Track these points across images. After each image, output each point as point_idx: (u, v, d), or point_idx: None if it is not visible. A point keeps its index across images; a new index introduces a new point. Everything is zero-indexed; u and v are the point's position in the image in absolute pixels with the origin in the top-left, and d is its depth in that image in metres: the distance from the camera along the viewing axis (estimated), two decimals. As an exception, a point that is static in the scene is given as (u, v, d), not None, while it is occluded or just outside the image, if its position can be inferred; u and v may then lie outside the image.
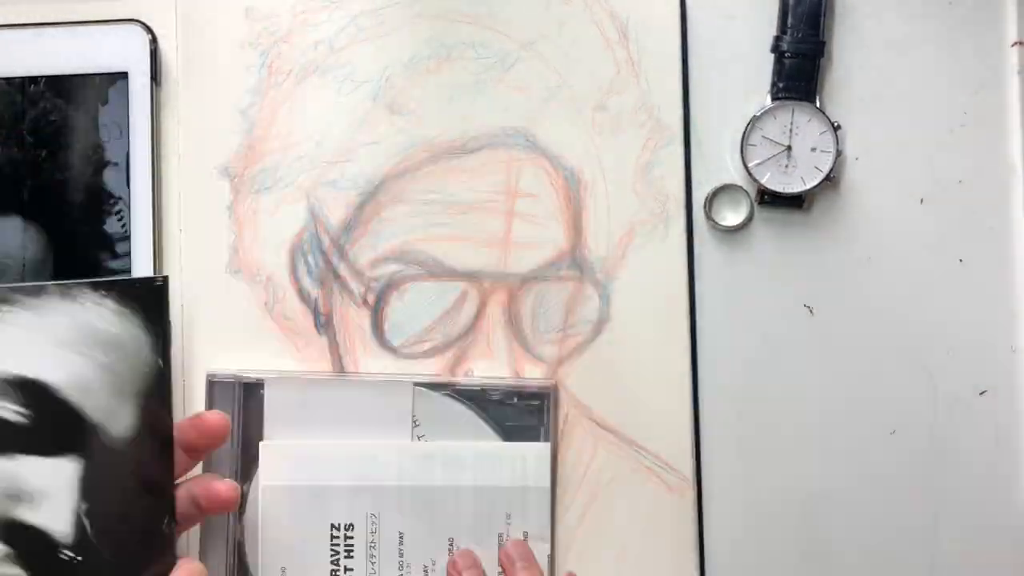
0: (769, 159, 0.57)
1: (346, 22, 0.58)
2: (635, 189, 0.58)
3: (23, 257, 0.57)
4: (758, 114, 0.57)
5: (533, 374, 0.58)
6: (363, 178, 0.58)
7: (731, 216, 0.58)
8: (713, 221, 0.58)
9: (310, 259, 0.58)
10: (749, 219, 0.58)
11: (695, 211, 0.58)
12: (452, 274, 0.58)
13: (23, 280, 0.56)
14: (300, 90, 0.58)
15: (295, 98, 0.58)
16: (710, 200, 0.58)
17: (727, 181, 0.58)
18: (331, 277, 0.58)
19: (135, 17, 0.58)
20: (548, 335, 0.58)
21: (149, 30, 0.58)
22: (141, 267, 0.57)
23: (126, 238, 0.57)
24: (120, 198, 0.57)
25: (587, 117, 0.58)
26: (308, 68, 0.58)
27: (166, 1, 0.59)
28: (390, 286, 0.58)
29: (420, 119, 0.58)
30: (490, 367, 0.58)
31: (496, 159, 0.58)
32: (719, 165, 0.59)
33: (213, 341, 0.57)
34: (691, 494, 0.57)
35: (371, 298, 0.58)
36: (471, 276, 0.58)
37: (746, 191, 0.58)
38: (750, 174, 0.57)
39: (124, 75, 0.57)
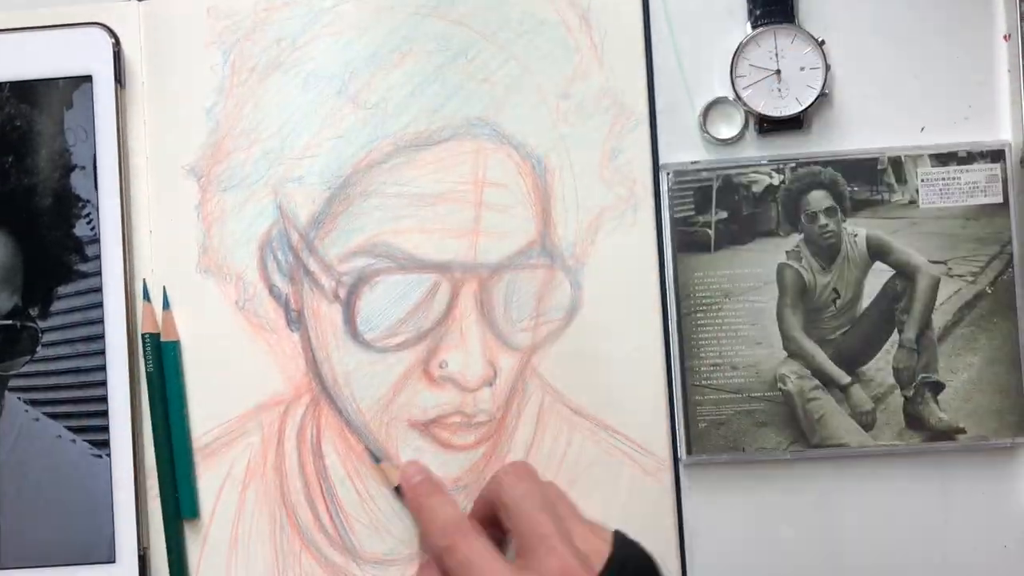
0: (760, 85, 0.57)
1: (308, 18, 0.58)
2: (602, 175, 0.58)
3: (-8, 263, 0.57)
4: (742, 43, 0.58)
5: (507, 363, 0.58)
6: (330, 172, 0.58)
7: (725, 130, 0.58)
8: (709, 135, 0.58)
9: (279, 255, 0.58)
10: (743, 132, 0.58)
11: (662, 195, 0.58)
12: (422, 266, 0.58)
13: (-7, 286, 0.56)
14: (264, 87, 0.58)
15: (259, 95, 0.58)
16: (704, 115, 0.58)
17: (719, 95, 0.59)
18: (301, 273, 0.58)
19: (97, 20, 0.58)
20: (521, 323, 0.58)
21: (112, 33, 0.58)
22: (112, 270, 0.57)
23: (96, 241, 0.57)
24: (88, 201, 0.57)
25: (551, 105, 0.58)
26: (271, 65, 0.58)
27: (128, 3, 0.59)
28: (361, 280, 0.58)
29: (385, 112, 0.58)
30: (463, 358, 0.58)
31: (462, 149, 0.58)
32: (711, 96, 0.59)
33: (186, 345, 0.58)
34: (668, 477, 0.57)
35: (342, 292, 0.58)
36: (441, 267, 0.58)
37: (737, 105, 0.58)
38: (744, 103, 0.58)
39: (88, 78, 0.57)
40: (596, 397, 0.57)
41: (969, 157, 0.57)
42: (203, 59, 0.58)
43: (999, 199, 0.57)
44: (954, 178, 0.57)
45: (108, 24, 0.58)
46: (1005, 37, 0.58)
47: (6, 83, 0.57)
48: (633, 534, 0.56)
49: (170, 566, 0.57)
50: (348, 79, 0.58)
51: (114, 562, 0.56)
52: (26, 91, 0.57)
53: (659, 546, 0.57)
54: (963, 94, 0.58)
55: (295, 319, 0.58)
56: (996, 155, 0.57)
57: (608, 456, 0.57)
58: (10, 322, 0.57)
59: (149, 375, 0.57)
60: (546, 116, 0.58)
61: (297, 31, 0.58)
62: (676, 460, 0.57)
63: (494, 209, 0.58)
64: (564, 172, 0.58)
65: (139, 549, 0.56)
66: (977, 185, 0.57)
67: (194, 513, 0.57)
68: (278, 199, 0.58)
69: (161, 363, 0.57)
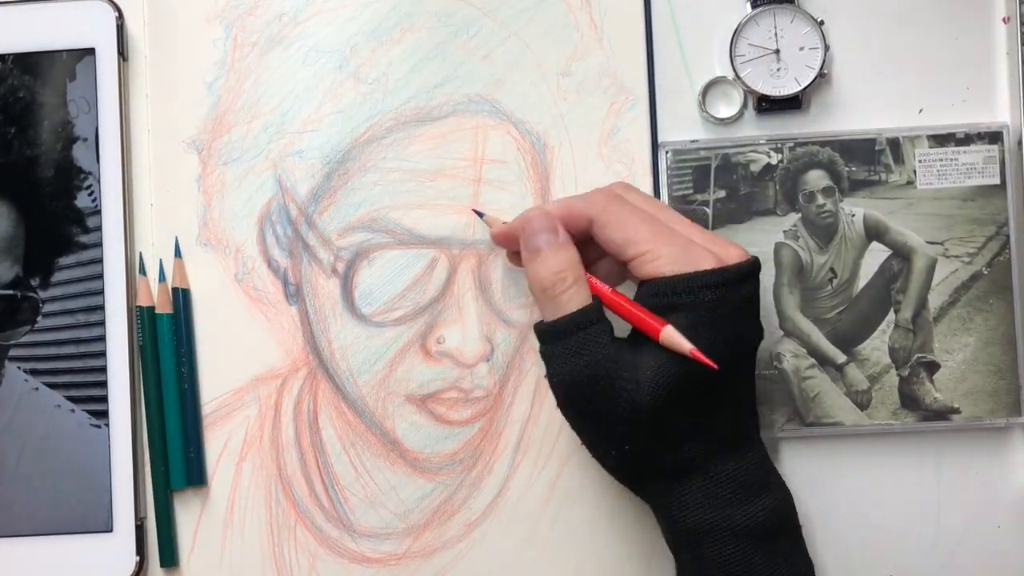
0: (760, 64, 0.58)
1: (310, -7, 0.59)
2: (601, 153, 0.58)
3: (-6, 232, 0.57)
4: (742, 23, 0.58)
5: (504, 339, 0.58)
6: (330, 147, 0.58)
7: (724, 109, 0.59)
8: (708, 114, 0.58)
9: (278, 229, 0.58)
10: (742, 112, 0.59)
11: (661, 173, 0.58)
12: (421, 241, 0.58)
13: (-6, 255, 0.57)
14: (265, 62, 0.59)
15: (260, 70, 0.59)
16: (703, 94, 0.59)
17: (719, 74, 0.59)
18: (300, 247, 0.58)
19: (101, -6, 0.58)
20: (518, 300, 0.58)
21: (115, 6, 0.58)
22: (112, 242, 0.57)
23: (97, 212, 0.57)
24: (90, 173, 0.58)
25: (551, 82, 0.58)
26: (273, 40, 0.59)
27: (132, -22, 0.59)
28: (359, 255, 0.58)
29: (385, 88, 0.58)
30: (461, 333, 0.58)
31: (462, 126, 0.58)
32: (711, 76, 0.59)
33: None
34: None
35: (340, 267, 0.58)
36: (440, 243, 0.58)
37: (736, 84, 0.59)
38: (743, 83, 0.58)
39: (91, 51, 0.58)
40: (592, 374, 0.57)
41: (967, 138, 0.58)
42: (205, 33, 0.59)
43: (996, 180, 0.57)
44: (952, 159, 0.57)
45: (112, -2, 0.58)
46: (1004, 20, 0.59)
47: (10, 55, 0.58)
48: (627, 511, 0.57)
49: (159, 536, 0.57)
50: (349, 54, 0.58)
51: (111, 531, 0.56)
52: (30, 63, 0.58)
53: (653, 523, 0.57)
54: (962, 76, 0.59)
55: (293, 293, 0.58)
56: (994, 137, 0.57)
57: (603, 432, 0.57)
58: (11, 292, 0.57)
59: (142, 347, 0.57)
60: (546, 94, 0.58)
61: (299, 6, 0.59)
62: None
63: (493, 185, 0.58)
64: (563, 150, 0.58)
65: (136, 519, 0.57)
66: (974, 166, 0.57)
67: (190, 484, 0.57)
68: (278, 173, 0.58)
69: (156, 336, 0.57)
